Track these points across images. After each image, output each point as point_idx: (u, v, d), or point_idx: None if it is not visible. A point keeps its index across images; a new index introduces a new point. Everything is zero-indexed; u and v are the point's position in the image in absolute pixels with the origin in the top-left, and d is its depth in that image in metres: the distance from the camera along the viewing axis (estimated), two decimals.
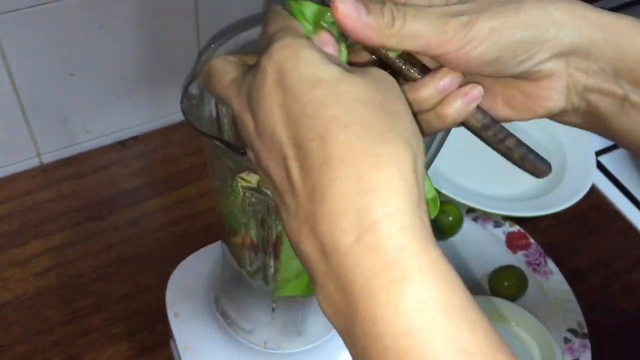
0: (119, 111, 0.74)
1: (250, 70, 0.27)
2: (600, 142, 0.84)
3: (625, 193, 0.79)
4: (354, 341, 0.23)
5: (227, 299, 0.50)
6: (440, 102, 0.29)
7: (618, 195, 0.79)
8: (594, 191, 0.77)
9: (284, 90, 0.25)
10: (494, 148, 0.32)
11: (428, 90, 0.29)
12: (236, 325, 0.50)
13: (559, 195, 0.74)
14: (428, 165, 0.46)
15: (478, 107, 0.31)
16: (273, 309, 0.47)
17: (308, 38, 0.27)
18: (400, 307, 0.22)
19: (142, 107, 0.76)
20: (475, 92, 0.30)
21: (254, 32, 0.39)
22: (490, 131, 0.31)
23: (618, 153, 0.83)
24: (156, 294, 0.62)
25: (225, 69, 0.29)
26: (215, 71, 0.29)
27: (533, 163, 0.32)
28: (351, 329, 0.23)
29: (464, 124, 0.31)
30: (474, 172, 0.78)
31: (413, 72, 0.30)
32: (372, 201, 0.23)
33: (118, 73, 0.71)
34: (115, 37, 0.67)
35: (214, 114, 0.41)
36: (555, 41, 0.29)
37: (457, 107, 0.29)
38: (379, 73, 0.27)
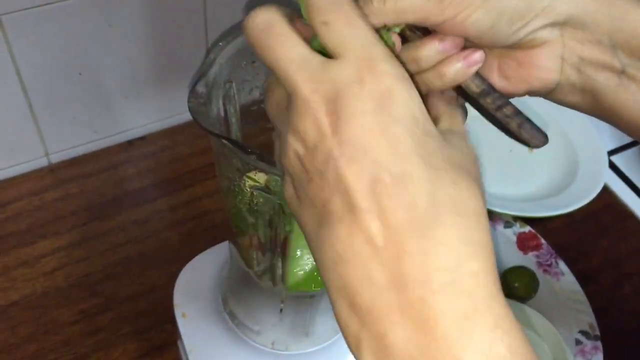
0: (126, 111, 0.74)
1: (339, 69, 0.25)
2: (612, 142, 0.83)
3: (638, 193, 0.78)
4: None
5: (234, 300, 0.50)
6: (441, 62, 0.30)
7: (630, 196, 0.78)
8: (606, 191, 0.76)
9: (393, 119, 0.24)
10: (491, 117, 0.33)
11: (428, 49, 0.30)
12: (244, 325, 0.49)
13: (571, 196, 0.73)
14: None
15: (477, 73, 0.31)
16: (281, 310, 0.47)
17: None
18: (492, 351, 0.22)
19: (150, 106, 0.76)
20: (476, 55, 0.30)
21: None
22: (489, 98, 0.32)
23: (630, 153, 0.82)
24: (164, 294, 0.61)
25: (290, 39, 0.26)
26: (276, 32, 0.26)
27: (530, 132, 0.32)
28: None
29: (463, 90, 0.32)
30: (484, 172, 0.77)
31: (419, 35, 0.31)
32: (473, 252, 0.24)
33: (126, 73, 0.71)
34: (123, 37, 0.67)
35: (222, 113, 0.40)
36: (550, 10, 0.30)
37: (457, 68, 0.30)
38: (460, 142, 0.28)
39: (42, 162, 0.74)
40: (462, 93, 0.32)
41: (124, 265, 0.66)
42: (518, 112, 0.32)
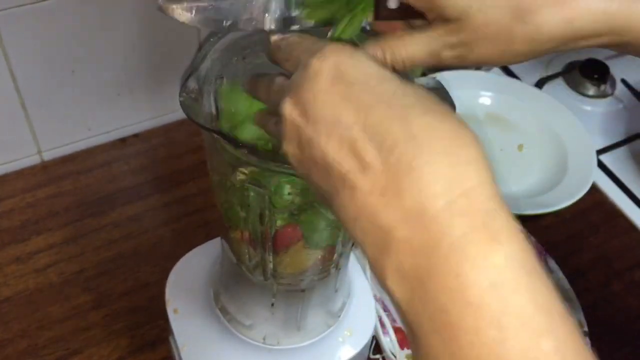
0: (120, 108, 0.75)
1: (297, 71, 0.30)
2: (602, 141, 0.84)
3: (626, 192, 0.79)
4: (427, 299, 0.24)
5: (226, 295, 0.50)
6: None
7: (619, 194, 0.78)
8: (595, 190, 0.77)
9: (347, 84, 0.28)
10: None
11: None
12: (235, 320, 0.50)
13: (560, 194, 0.74)
14: None
15: None
16: (272, 304, 0.47)
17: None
18: (488, 262, 0.24)
19: (143, 104, 0.76)
20: None
21: None
22: None
23: (619, 152, 0.83)
24: (157, 290, 0.62)
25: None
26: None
27: None
28: (427, 285, 0.24)
29: None
30: None
31: None
32: (464, 172, 0.25)
33: (119, 70, 0.71)
34: (116, 34, 0.67)
35: (213, 108, 0.41)
36: None
37: None
38: None
39: (35, 160, 0.74)
40: None
41: (117, 262, 0.67)
42: None
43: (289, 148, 0.29)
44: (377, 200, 0.26)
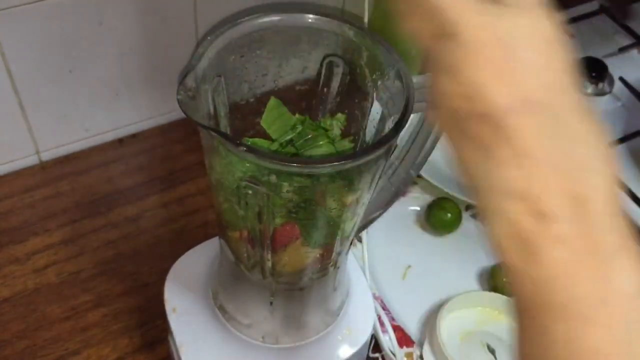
0: (117, 108, 0.75)
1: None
2: None
3: (624, 189, 0.79)
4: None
5: (225, 294, 0.50)
6: None
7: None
8: None
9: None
10: None
11: None
12: (234, 319, 0.50)
13: None
14: (426, 156, 0.46)
15: None
16: (271, 303, 0.47)
17: None
18: None
19: (141, 104, 0.76)
20: None
21: (249, 25, 0.39)
22: None
23: (617, 150, 0.83)
24: (155, 290, 0.62)
25: None
26: None
27: None
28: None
29: None
30: None
31: None
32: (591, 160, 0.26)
33: (117, 70, 0.71)
34: (113, 34, 0.67)
35: (211, 107, 0.41)
36: None
37: None
38: None
39: (33, 160, 0.74)
40: None
41: (115, 262, 0.67)
42: None
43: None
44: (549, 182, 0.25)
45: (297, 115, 0.44)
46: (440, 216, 0.70)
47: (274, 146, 0.43)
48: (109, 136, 0.76)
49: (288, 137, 0.43)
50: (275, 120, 0.43)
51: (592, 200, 0.25)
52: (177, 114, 0.79)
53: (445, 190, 0.71)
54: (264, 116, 0.43)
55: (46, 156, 0.74)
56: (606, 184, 0.26)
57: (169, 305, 0.52)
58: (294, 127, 0.43)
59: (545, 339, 0.25)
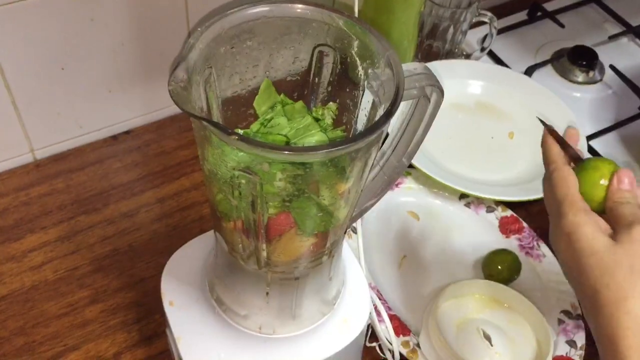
0: (111, 105, 0.75)
1: (565, 209, 0.44)
2: (591, 127, 0.85)
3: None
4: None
5: (221, 285, 0.50)
6: None
7: None
8: None
9: (571, 245, 0.43)
10: None
11: None
12: (231, 311, 0.50)
13: None
14: (417, 145, 0.47)
15: None
16: (267, 293, 0.48)
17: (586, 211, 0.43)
18: None
19: (135, 100, 0.76)
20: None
21: (239, 16, 0.40)
22: None
23: (609, 137, 0.84)
24: (152, 285, 0.62)
25: (575, 198, 0.45)
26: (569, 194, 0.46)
27: None
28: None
29: None
30: (466, 158, 0.79)
31: None
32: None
33: (109, 66, 0.71)
34: (105, 30, 0.67)
35: (203, 99, 0.41)
36: None
37: None
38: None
39: (28, 158, 0.74)
40: None
41: (112, 258, 0.67)
42: None
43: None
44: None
45: (281, 96, 0.44)
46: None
47: (256, 126, 0.44)
48: (103, 133, 0.77)
49: (268, 117, 0.43)
50: (266, 102, 0.43)
51: None
52: (170, 110, 0.79)
53: (439, 180, 0.72)
54: (257, 97, 0.43)
55: (40, 154, 0.74)
56: None
57: (166, 299, 0.53)
58: (273, 107, 0.44)
59: None
